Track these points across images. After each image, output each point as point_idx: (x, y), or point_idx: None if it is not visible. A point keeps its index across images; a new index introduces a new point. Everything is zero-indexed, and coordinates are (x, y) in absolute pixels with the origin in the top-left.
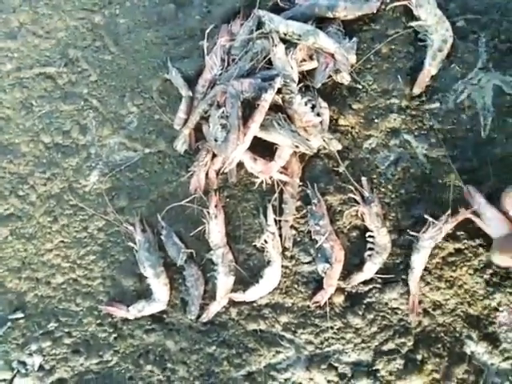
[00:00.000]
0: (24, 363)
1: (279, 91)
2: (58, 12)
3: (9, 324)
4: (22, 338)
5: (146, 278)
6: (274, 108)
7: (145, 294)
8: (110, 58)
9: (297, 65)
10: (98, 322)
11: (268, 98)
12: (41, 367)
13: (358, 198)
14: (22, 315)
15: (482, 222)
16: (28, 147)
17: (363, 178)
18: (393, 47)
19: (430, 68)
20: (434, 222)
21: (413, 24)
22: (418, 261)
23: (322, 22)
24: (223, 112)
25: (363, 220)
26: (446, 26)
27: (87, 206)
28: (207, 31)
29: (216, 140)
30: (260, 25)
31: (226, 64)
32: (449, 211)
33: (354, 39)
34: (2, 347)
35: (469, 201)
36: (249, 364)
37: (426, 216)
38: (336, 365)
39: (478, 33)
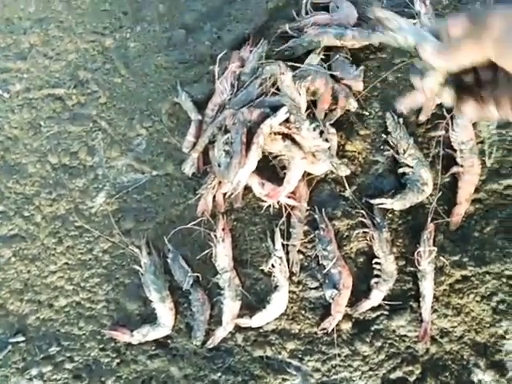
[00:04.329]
0: None
1: (287, 120)
2: (68, 34)
3: (9, 347)
4: (22, 362)
5: (151, 302)
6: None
7: (149, 318)
8: (120, 81)
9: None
10: (101, 346)
11: (269, 123)
12: None
13: (368, 222)
14: (22, 338)
15: None
16: (35, 168)
17: (376, 202)
18: (399, 75)
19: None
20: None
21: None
22: (428, 287)
23: (329, 50)
24: (228, 138)
25: (371, 245)
26: None
27: (93, 227)
28: (219, 57)
29: (219, 165)
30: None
31: (235, 89)
32: (427, 232)
33: (361, 67)
34: (1, 371)
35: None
36: None
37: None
38: None
39: None
